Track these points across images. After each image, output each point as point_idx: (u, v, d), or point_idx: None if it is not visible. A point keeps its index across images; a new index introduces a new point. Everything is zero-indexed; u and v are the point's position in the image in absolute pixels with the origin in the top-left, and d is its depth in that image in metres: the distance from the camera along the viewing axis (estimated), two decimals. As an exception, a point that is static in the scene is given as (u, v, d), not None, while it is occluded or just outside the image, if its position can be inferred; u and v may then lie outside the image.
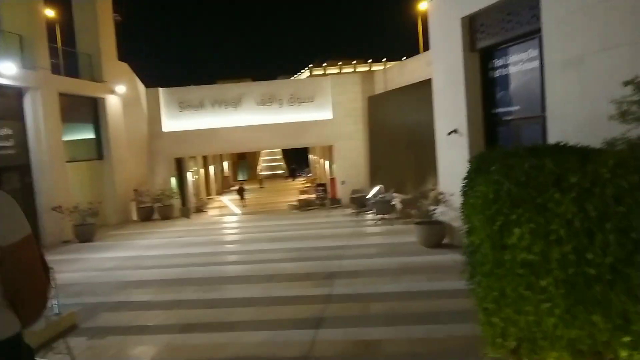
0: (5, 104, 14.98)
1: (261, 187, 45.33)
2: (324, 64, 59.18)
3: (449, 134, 10.89)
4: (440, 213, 11.61)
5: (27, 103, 15.52)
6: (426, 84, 18.53)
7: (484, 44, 10.09)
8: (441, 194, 11.51)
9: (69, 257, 13.60)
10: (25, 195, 15.37)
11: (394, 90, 21.38)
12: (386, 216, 15.63)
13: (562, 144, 5.53)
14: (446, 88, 11.28)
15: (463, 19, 10.32)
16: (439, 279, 8.91)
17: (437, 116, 11.84)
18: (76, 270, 11.89)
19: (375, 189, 18.12)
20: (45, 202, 15.71)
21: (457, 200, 11.50)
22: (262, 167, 61.11)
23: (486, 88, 10.45)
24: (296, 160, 58.79)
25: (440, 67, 11.52)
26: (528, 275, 3.79)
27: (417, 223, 11.68)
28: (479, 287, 4.45)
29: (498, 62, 10.10)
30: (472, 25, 10.31)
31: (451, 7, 10.76)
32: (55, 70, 16.91)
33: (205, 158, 36.78)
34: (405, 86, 20.19)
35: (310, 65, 62.17)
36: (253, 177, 52.36)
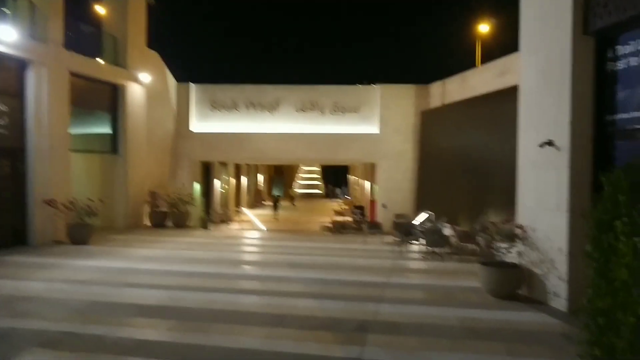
0: (2, 76, 12.90)
1: (293, 205, 42.75)
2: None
3: (542, 145, 7.95)
4: (517, 254, 8.61)
5: (30, 78, 13.43)
6: (497, 96, 15.64)
7: (605, 23, 7.19)
8: (519, 228, 8.54)
9: (45, 260, 11.23)
10: (15, 184, 13.20)
11: (453, 103, 18.50)
12: (437, 250, 12.65)
13: None
14: (540, 89, 8.38)
15: (576, -12, 7.50)
16: (525, 353, 5.94)
17: (522, 128, 8.92)
18: (41, 279, 9.45)
19: (424, 215, 15.18)
20: (38, 194, 13.49)
21: (542, 237, 8.58)
22: (299, 184, 58.60)
23: (602, 86, 7.52)
24: (335, 180, 56.03)
25: (533, 62, 8.64)
26: None
27: (483, 264, 8.70)
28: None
29: (625, 49, 7.18)
30: (588, -3, 7.46)
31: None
32: (72, 48, 14.84)
33: (238, 168, 34.52)
34: (469, 99, 17.29)
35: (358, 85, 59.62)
36: (288, 195, 49.89)
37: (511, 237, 8.59)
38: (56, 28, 14.11)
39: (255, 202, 40.90)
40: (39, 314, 7.21)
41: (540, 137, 8.13)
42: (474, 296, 8.56)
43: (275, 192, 41.94)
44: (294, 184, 55.36)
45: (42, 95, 13.59)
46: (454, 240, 12.82)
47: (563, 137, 7.66)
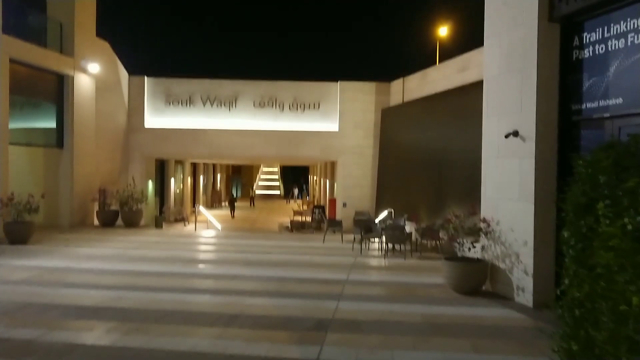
0: None
1: (251, 206, 41.96)
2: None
3: (507, 136, 7.70)
4: (481, 248, 8.35)
5: (-38, 62, 12.43)
6: (458, 92, 15.53)
7: (570, 9, 6.99)
8: (483, 221, 8.27)
9: (-24, 260, 10.29)
10: (-55, 178, 12.13)
11: (414, 100, 18.34)
12: (398, 247, 12.33)
13: None
14: (503, 76, 8.14)
15: (542, -28, 7.27)
16: (492, 349, 5.61)
17: (485, 116, 8.67)
18: (-31, 279, 8.57)
19: (385, 213, 14.90)
20: (-29, 189, 12.47)
21: (506, 230, 8.33)
22: (258, 185, 57.73)
23: (567, 74, 7.32)
24: (295, 181, 55.46)
25: (497, 49, 8.40)
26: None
27: (447, 259, 8.39)
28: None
29: (590, 36, 6.99)
30: (554, -18, 7.25)
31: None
32: (11, 32, 13.79)
33: (195, 167, 33.59)
34: (430, 96, 17.15)
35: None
36: (246, 195, 48.94)
37: (475, 231, 8.32)
38: (-9, 9, 13.08)
39: (213, 202, 39.94)
40: (-40, 317, 6.43)
41: (504, 124, 7.89)
42: (437, 292, 8.23)
43: (233, 192, 41.17)
44: (254, 184, 54.46)
45: (-25, 81, 12.57)
46: (415, 236, 12.54)
47: (529, 125, 7.41)
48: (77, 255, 11.21)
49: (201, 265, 11.23)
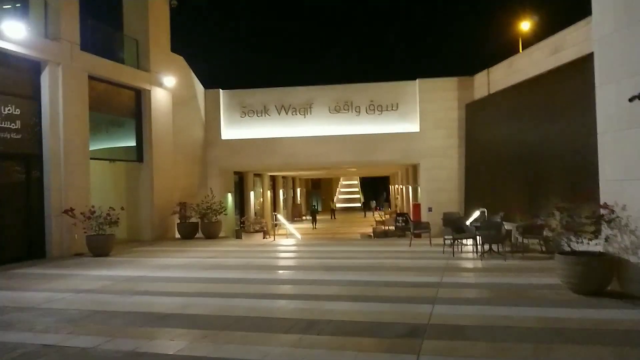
0: (14, 77, 12.12)
1: (333, 218, 41.23)
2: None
3: (632, 99, 6.33)
4: (605, 239, 6.93)
5: (44, 79, 12.65)
6: (550, 75, 13.93)
7: None
8: (605, 207, 6.86)
9: (55, 272, 10.18)
10: (31, 193, 12.31)
11: (501, 91, 16.83)
12: (495, 247, 10.95)
13: None
14: (623, 31, 6.77)
15: None
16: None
17: (599, 83, 7.30)
18: (44, 289, 8.34)
19: (477, 213, 13.53)
20: (55, 204, 12.59)
21: (636, 217, 6.85)
22: (338, 198, 57.07)
23: None
24: (374, 192, 54.21)
25: (610, 1, 7.06)
26: None
27: (563, 253, 7.04)
28: None
29: None
30: None
31: None
32: (90, 49, 14.03)
33: (274, 180, 33.49)
34: (520, 83, 15.61)
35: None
36: (326, 208, 48.35)
37: (594, 220, 6.92)
38: (71, 26, 13.31)
39: (294, 216, 39.70)
40: (22, 326, 6.04)
41: (627, 88, 6.52)
42: (552, 294, 6.91)
43: (314, 206, 40.72)
44: (334, 197, 53.87)
45: (56, 97, 12.76)
46: (515, 236, 11.12)
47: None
48: (153, 265, 10.87)
49: (277, 272, 10.51)
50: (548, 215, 8.12)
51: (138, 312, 6.58)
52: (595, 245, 7.01)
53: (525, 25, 27.60)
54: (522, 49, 23.35)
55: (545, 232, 10.59)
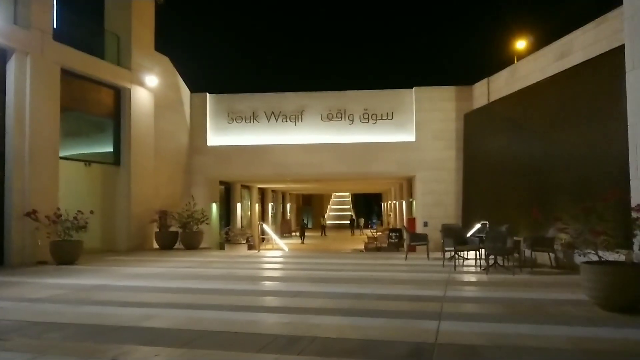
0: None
1: (323, 235, 39.98)
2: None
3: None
4: (639, 247, 5.93)
5: (10, 69, 11.62)
6: (558, 78, 13.04)
7: None
8: (638, 210, 5.87)
9: (6, 280, 9.01)
10: (-11, 193, 11.19)
11: (503, 98, 15.98)
12: (501, 261, 9.91)
13: None
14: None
15: None
16: None
17: (631, 67, 6.39)
18: (-15, 296, 7.17)
19: (477, 225, 12.54)
20: (17, 206, 11.45)
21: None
22: (329, 215, 55.77)
23: None
24: (367, 210, 53.11)
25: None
26: None
27: (589, 263, 6.03)
28: None
29: None
30: None
31: None
32: (65, 41, 13.00)
33: (263, 193, 32.37)
34: (523, 89, 14.76)
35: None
36: (317, 225, 47.10)
37: (626, 224, 5.94)
38: (43, 14, 12.32)
39: (283, 232, 38.44)
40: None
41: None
42: (577, 310, 5.88)
43: (304, 221, 39.55)
44: (325, 214, 52.60)
45: (23, 90, 11.71)
46: (523, 249, 10.11)
47: None
48: (120, 274, 9.72)
49: (259, 282, 9.38)
50: (570, 218, 7.09)
51: (85, 324, 5.47)
52: (618, 255, 6.02)
53: (520, 45, 27.04)
54: (520, 59, 22.64)
55: (556, 245, 9.62)
